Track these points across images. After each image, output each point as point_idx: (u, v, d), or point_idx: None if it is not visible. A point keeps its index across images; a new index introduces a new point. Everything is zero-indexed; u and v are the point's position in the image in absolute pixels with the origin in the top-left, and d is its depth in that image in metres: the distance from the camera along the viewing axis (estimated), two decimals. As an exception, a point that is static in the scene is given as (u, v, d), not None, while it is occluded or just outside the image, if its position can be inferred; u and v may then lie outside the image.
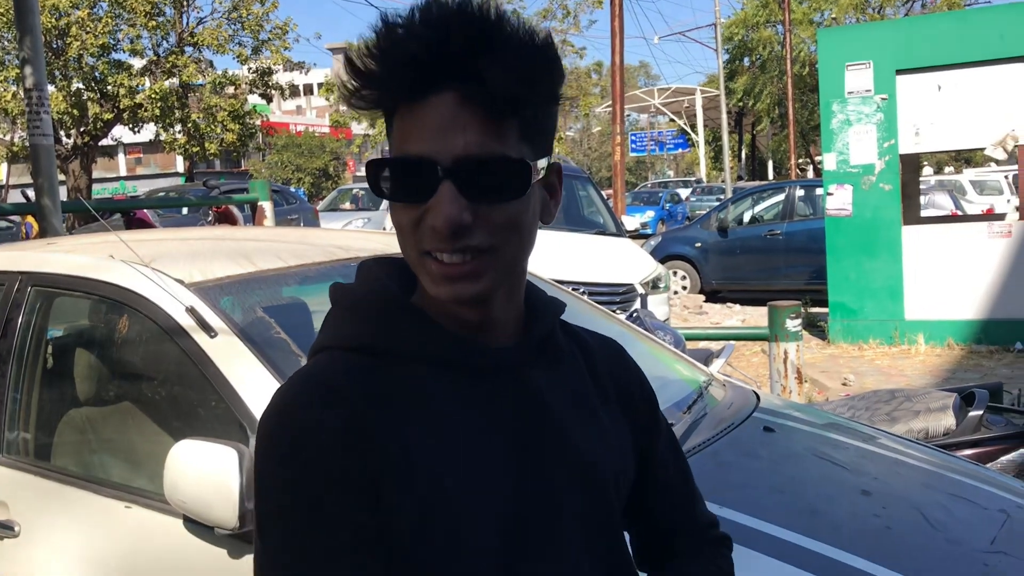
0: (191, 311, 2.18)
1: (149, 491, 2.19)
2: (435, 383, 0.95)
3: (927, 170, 33.44)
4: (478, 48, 0.86)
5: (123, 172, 44.42)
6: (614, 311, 5.46)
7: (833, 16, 38.68)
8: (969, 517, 2.09)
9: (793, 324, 5.12)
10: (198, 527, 1.96)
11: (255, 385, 2.06)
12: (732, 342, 4.85)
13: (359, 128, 33.89)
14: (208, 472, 1.88)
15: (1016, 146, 8.21)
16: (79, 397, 2.63)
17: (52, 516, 2.31)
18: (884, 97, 8.44)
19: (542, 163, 0.94)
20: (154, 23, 19.41)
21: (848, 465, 2.31)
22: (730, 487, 2.06)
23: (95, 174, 22.49)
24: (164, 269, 2.33)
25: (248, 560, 1.86)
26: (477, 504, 0.91)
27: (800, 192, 13.01)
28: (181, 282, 2.29)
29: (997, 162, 13.51)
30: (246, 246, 2.73)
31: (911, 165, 9.56)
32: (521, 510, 0.94)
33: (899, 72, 8.41)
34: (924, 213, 13.59)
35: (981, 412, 3.40)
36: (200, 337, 2.15)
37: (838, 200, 8.72)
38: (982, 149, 8.56)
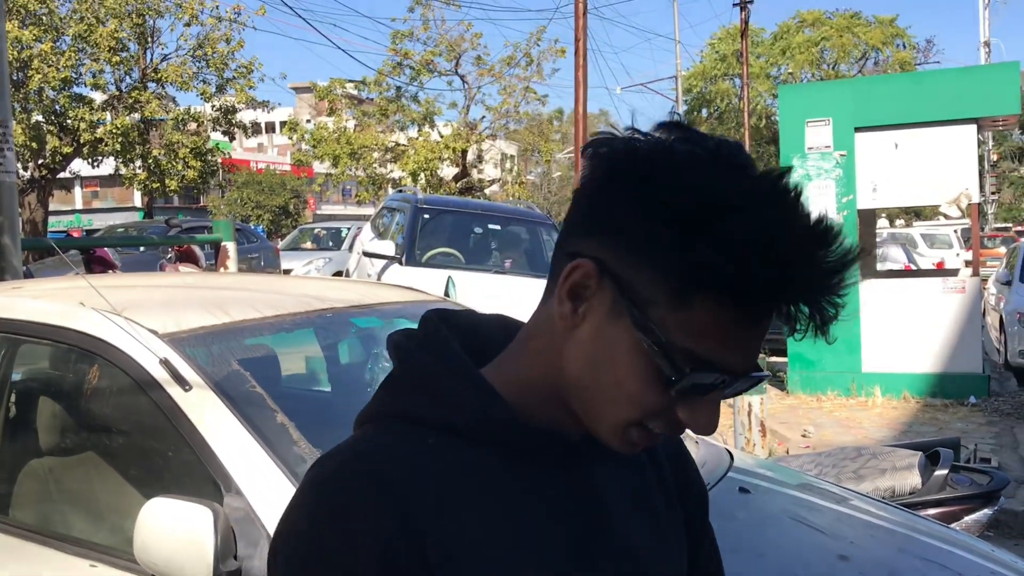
0: (165, 363, 2.14)
1: (116, 549, 2.13)
2: (498, 470, 0.89)
3: (881, 222, 34.21)
4: (833, 283, 0.80)
5: (79, 205, 43.83)
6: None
7: (790, 71, 39.67)
8: (941, 582, 2.10)
9: (757, 377, 5.16)
10: (168, 589, 1.90)
11: (230, 441, 2.02)
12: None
13: (321, 167, 33.83)
14: (181, 532, 1.83)
15: (969, 204, 8.43)
16: (42, 447, 2.56)
17: (9, 574, 2.23)
18: (843, 153, 8.64)
19: None
20: (118, 58, 19.29)
21: (825, 529, 2.31)
22: (709, 551, 2.05)
23: (51, 206, 22.15)
24: (137, 318, 2.28)
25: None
26: None
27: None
28: (155, 332, 2.25)
29: (947, 217, 13.85)
30: (220, 295, 2.69)
31: (867, 220, 9.76)
32: None
33: (858, 129, 8.62)
34: (878, 266, 13.86)
35: (946, 471, 3.44)
36: (174, 390, 2.11)
37: (798, 253, 8.86)
38: (937, 206, 8.77)
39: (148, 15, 19.66)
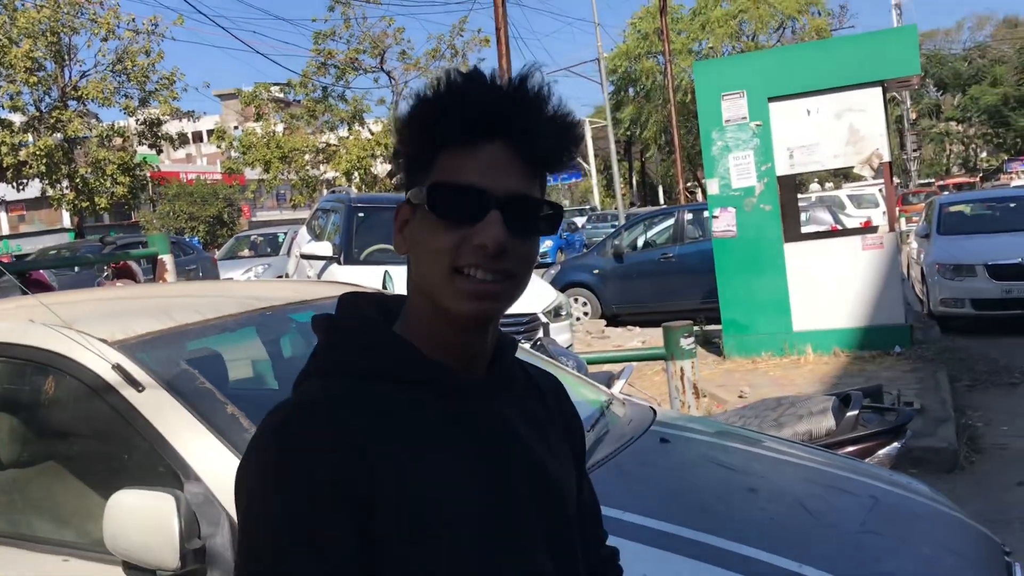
0: (117, 368, 2.29)
1: (84, 543, 2.28)
2: (413, 404, 1.09)
3: (813, 186, 35.08)
4: (531, 112, 1.06)
5: (5, 231, 42.83)
6: (520, 340, 5.68)
7: (711, 45, 40.29)
8: (843, 504, 2.35)
9: (687, 343, 5.41)
10: (139, 571, 2.06)
11: (185, 434, 2.18)
12: (632, 364, 5.13)
13: (252, 174, 33.54)
14: (147, 519, 1.99)
15: (881, 163, 8.82)
16: (3, 460, 2.69)
17: (-14, 577, 2.37)
18: (759, 123, 8.96)
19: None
20: (35, 78, 19.01)
21: (737, 467, 2.56)
22: (632, 494, 2.27)
23: (-24, 234, 21.71)
24: (87, 329, 2.43)
25: (191, 598, 1.98)
26: (457, 511, 1.06)
27: (689, 216, 13.55)
28: (104, 341, 2.39)
29: (861, 178, 14.36)
30: (164, 302, 2.84)
31: (788, 185, 10.12)
32: (494, 516, 1.09)
33: (771, 99, 8.94)
34: (807, 229, 14.30)
35: (856, 412, 3.72)
36: (128, 392, 2.26)
37: (723, 222, 9.18)
38: (851, 168, 9.15)
39: (63, 32, 19.38)
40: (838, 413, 3.76)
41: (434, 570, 1.04)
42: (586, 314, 13.75)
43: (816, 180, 37.89)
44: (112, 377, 2.28)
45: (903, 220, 19.75)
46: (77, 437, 2.56)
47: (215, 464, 2.13)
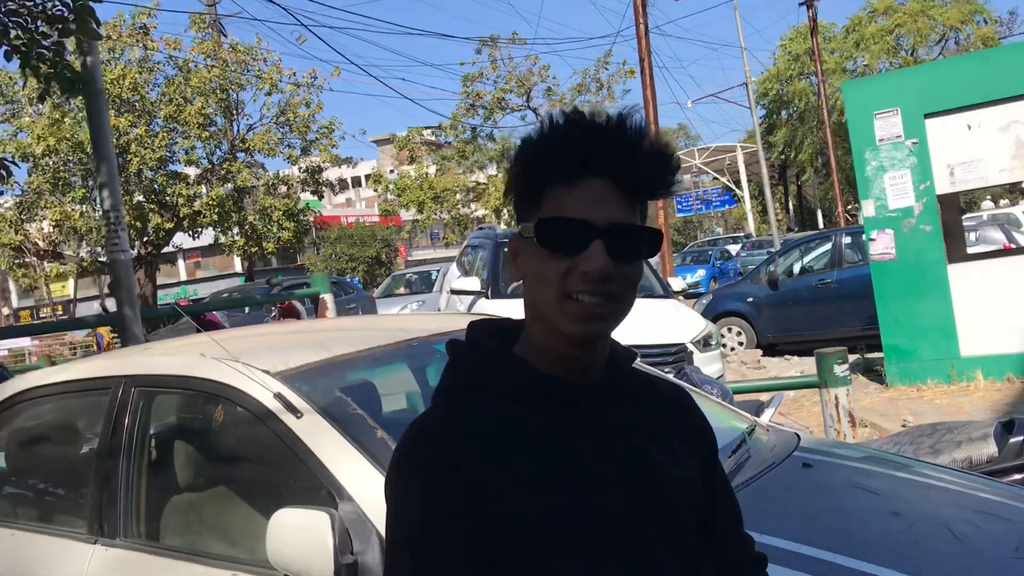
0: (278, 397, 2.48)
1: (250, 560, 2.47)
2: (535, 416, 1.20)
3: (986, 203, 33.19)
4: (628, 148, 1.17)
5: (183, 277, 45.87)
6: (667, 371, 5.67)
7: (866, 63, 38.91)
8: (995, 529, 2.26)
9: (841, 369, 5.27)
10: (298, 584, 2.21)
11: (340, 457, 2.34)
12: (782, 392, 5.03)
13: (408, 215, 34.75)
14: (305, 535, 2.15)
15: (1052, 177, 8.32)
16: (180, 484, 2.94)
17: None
18: (915, 141, 8.63)
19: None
20: (207, 134, 20.42)
21: (881, 491, 2.50)
22: (770, 517, 2.27)
23: (158, 280, 23.40)
24: (251, 362, 2.65)
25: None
26: (577, 514, 1.14)
27: (847, 240, 13.11)
28: (267, 372, 2.60)
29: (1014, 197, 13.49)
30: (320, 336, 3.05)
31: (951, 204, 9.65)
32: (614, 520, 1.17)
33: (927, 116, 8.60)
34: (975, 249, 13.57)
35: (1021, 438, 3.53)
36: (288, 418, 2.45)
37: (881, 245, 8.86)
38: (1020, 183, 8.65)
39: (231, 89, 20.77)
40: (1000, 439, 3.58)
41: (557, 569, 1.12)
42: (741, 344, 13.47)
43: (989, 197, 35.82)
44: (274, 405, 2.48)
45: (1088, 237, 18.44)
46: (243, 461, 2.78)
47: (366, 485, 2.27)
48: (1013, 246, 15.96)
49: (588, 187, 1.16)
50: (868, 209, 8.95)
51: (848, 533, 2.20)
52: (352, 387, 2.77)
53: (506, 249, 9.12)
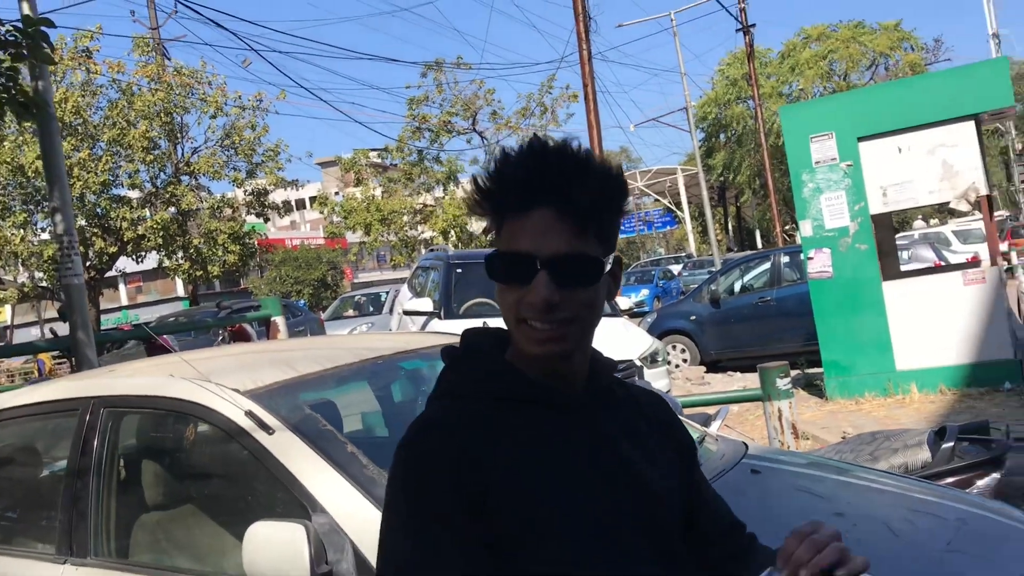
0: (249, 414, 2.56)
1: (224, 574, 2.54)
2: (524, 419, 1.27)
3: (918, 223, 34.19)
4: (571, 177, 1.23)
5: (125, 302, 45.07)
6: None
7: (801, 87, 39.94)
8: (929, 526, 2.44)
9: (783, 383, 5.48)
10: (274, 595, 2.29)
11: (311, 470, 2.43)
12: (728, 405, 5.22)
13: (354, 237, 34.63)
14: (280, 546, 2.23)
15: (978, 197, 8.70)
16: (150, 502, 2.99)
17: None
18: (849, 163, 8.97)
19: (609, 258, 1.30)
20: (151, 157, 20.21)
21: (825, 494, 2.66)
22: (722, 519, 2.41)
23: (100, 305, 23.00)
24: (221, 381, 2.72)
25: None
26: (566, 511, 1.23)
27: (785, 259, 13.47)
28: (237, 390, 2.68)
29: (953, 213, 14.02)
30: (287, 355, 3.13)
31: (884, 224, 10.03)
32: (602, 525, 1.25)
33: (860, 139, 8.95)
34: (908, 267, 14.04)
35: (952, 444, 3.74)
36: (260, 435, 2.52)
37: (818, 263, 9.17)
38: (947, 203, 9.04)
39: (175, 112, 20.59)
40: (933, 446, 3.79)
41: (547, 569, 1.21)
42: (685, 361, 13.74)
43: (921, 217, 36.92)
44: (245, 422, 2.56)
45: (1014, 254, 19.20)
46: (214, 478, 2.84)
47: (338, 497, 2.36)
48: (943, 263, 16.55)
49: (535, 218, 1.23)
50: (806, 229, 9.26)
51: (794, 532, 2.35)
52: (322, 403, 2.86)
53: (458, 271, 9.30)
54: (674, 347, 13.90)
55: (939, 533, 2.38)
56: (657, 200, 46.51)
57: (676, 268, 34.76)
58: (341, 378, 3.00)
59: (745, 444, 3.21)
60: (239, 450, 2.58)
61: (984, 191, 8.72)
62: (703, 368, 13.22)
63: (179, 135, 21.16)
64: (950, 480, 3.68)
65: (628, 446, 1.35)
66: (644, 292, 28.56)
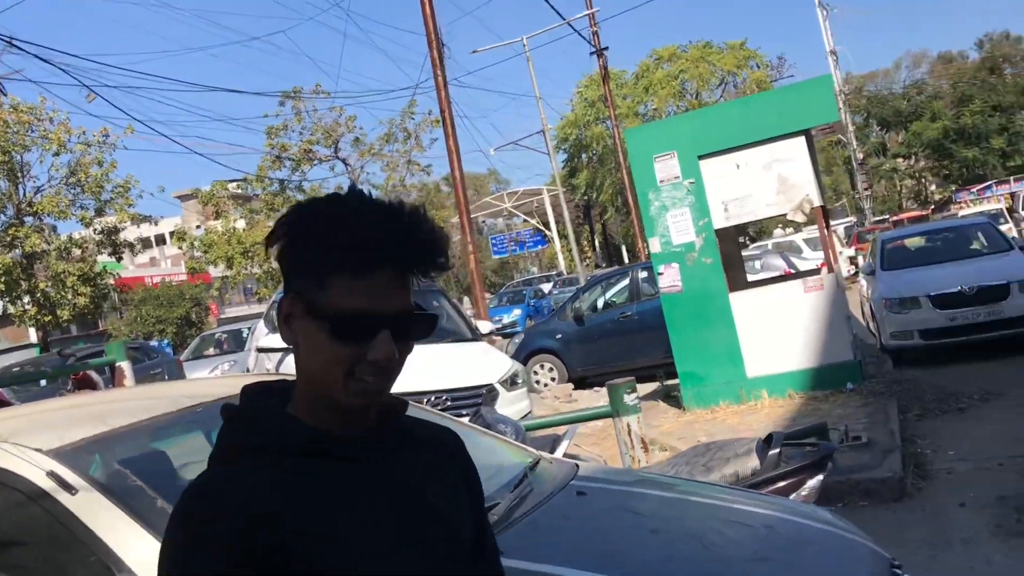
0: (51, 475, 2.44)
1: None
2: (315, 472, 1.24)
3: (777, 231, 35.77)
4: (408, 242, 1.23)
5: (-29, 351, 42.37)
6: (464, 413, 5.85)
7: (655, 107, 41.29)
8: (739, 536, 2.53)
9: (630, 399, 5.59)
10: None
11: (116, 530, 2.33)
12: (575, 425, 5.31)
13: (217, 271, 33.67)
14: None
15: (812, 209, 9.17)
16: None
17: None
18: (692, 181, 9.31)
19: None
20: (-11, 198, 19.18)
21: (645, 512, 2.73)
22: (542, 546, 2.44)
23: (-59, 358, 21.58)
24: (23, 441, 2.58)
25: None
26: (371, 570, 1.20)
27: (643, 274, 13.83)
28: (39, 450, 2.55)
29: (799, 225, 14.75)
30: (99, 408, 3.01)
31: (728, 237, 10.44)
32: (405, 566, 1.24)
33: (701, 157, 9.30)
34: (761, 276, 14.64)
35: (778, 450, 3.91)
36: (63, 496, 2.41)
37: (668, 278, 9.46)
38: (785, 215, 9.48)
39: (14, 151, 19.60)
40: (762, 453, 3.94)
41: None
42: (553, 379, 13.91)
43: (780, 225, 38.72)
44: (47, 484, 2.43)
45: (860, 258, 20.25)
46: (17, 545, 2.68)
47: (146, 555, 2.27)
48: (793, 271, 17.32)
49: (374, 279, 1.22)
50: (655, 245, 9.54)
51: (611, 554, 2.40)
52: (135, 458, 2.75)
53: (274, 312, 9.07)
54: (543, 366, 14.07)
55: (747, 543, 2.47)
56: (526, 220, 47.10)
57: (547, 287, 35.21)
58: (156, 428, 2.89)
59: (577, 465, 3.26)
60: (43, 514, 2.46)
61: (818, 202, 9.18)
62: (571, 385, 13.40)
63: (19, 174, 20.14)
64: (780, 485, 3.83)
65: (426, 484, 1.34)
66: (516, 312, 28.87)
